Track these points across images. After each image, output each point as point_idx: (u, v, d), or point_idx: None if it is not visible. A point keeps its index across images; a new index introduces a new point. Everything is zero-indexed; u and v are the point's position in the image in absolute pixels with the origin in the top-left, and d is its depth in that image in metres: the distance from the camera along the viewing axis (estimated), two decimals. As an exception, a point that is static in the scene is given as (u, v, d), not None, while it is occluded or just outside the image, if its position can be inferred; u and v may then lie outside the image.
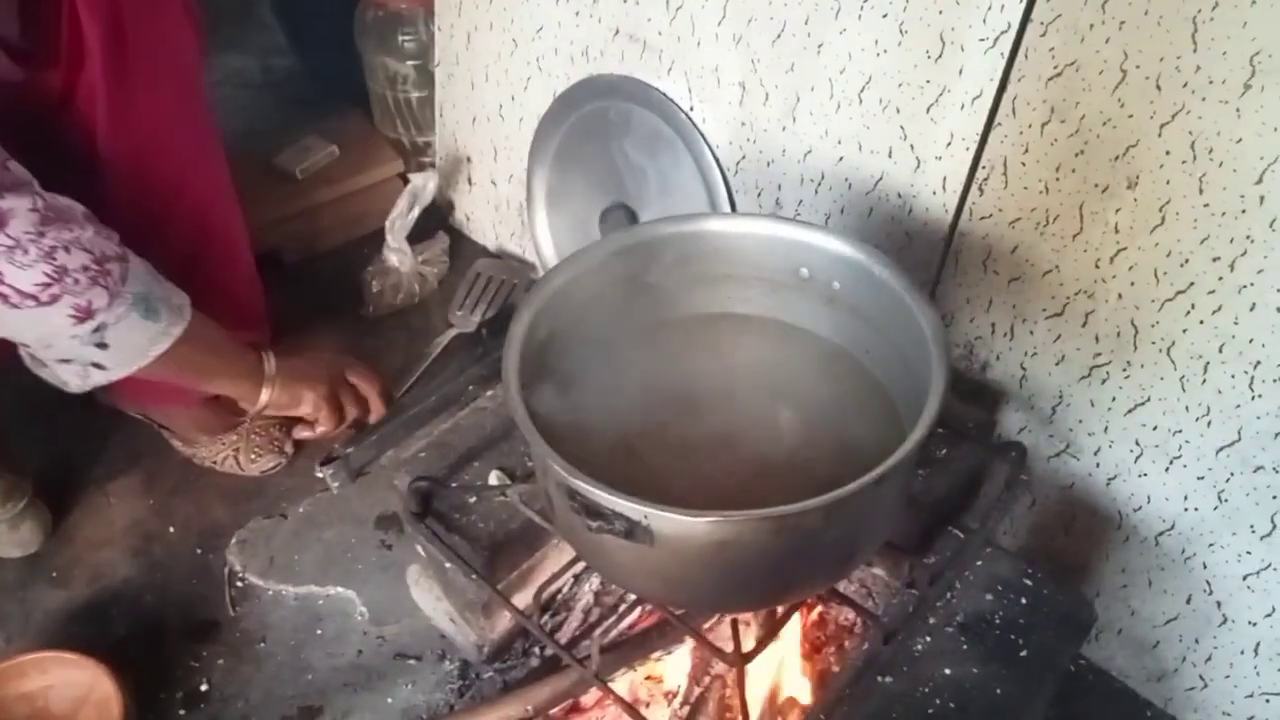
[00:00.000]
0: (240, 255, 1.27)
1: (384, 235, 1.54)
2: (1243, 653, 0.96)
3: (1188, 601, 0.97)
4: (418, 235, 1.58)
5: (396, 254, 1.55)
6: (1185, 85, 0.79)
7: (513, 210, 1.57)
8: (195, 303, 1.02)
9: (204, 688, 1.10)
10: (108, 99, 1.01)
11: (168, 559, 1.24)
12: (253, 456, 1.32)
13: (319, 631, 1.15)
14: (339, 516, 1.27)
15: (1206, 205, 0.82)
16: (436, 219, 1.66)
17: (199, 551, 1.25)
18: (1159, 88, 0.81)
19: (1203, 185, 0.81)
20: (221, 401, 1.28)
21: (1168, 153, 0.83)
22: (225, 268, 1.23)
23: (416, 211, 1.51)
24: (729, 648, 0.76)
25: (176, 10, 1.06)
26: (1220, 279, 0.83)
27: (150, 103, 1.05)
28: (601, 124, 1.29)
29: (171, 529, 1.28)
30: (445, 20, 1.51)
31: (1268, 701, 0.96)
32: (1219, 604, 0.95)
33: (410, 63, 1.62)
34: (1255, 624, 0.93)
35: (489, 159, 1.56)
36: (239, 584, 1.21)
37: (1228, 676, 0.98)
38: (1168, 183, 0.83)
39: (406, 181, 1.55)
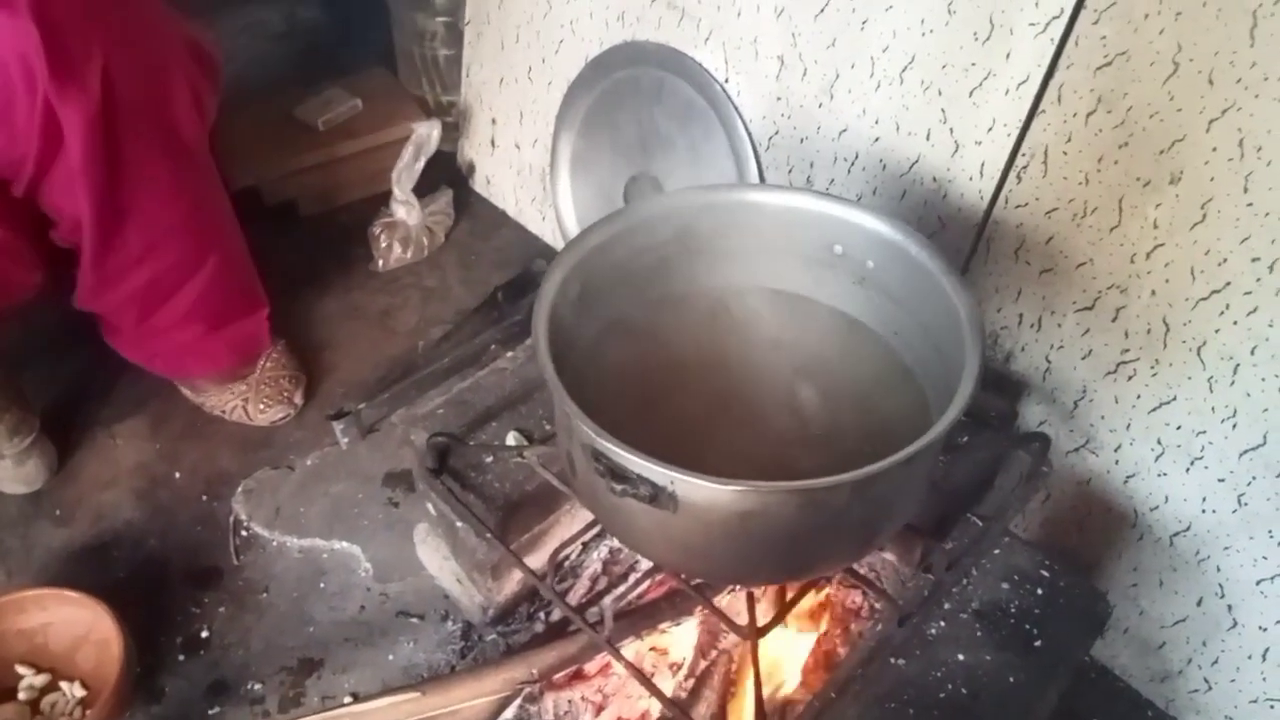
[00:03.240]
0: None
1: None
2: (1250, 658, 0.95)
3: (1198, 604, 0.97)
4: (423, 189, 1.56)
5: (404, 206, 1.53)
6: (1239, 81, 0.78)
7: (535, 175, 1.55)
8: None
9: (204, 634, 1.10)
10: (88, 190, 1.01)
11: (172, 503, 1.24)
12: (261, 407, 1.31)
13: (322, 585, 1.15)
14: (347, 472, 1.26)
15: (1250, 205, 0.81)
16: (440, 172, 1.63)
17: (204, 498, 1.24)
18: (1211, 82, 0.80)
19: (1248, 184, 0.80)
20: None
21: (1214, 149, 0.81)
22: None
23: (422, 162, 1.49)
24: (742, 621, 0.75)
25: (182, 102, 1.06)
26: (1258, 280, 0.82)
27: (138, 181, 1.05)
28: (633, 91, 1.27)
29: (177, 474, 1.27)
30: (478, -22, 1.49)
31: (1272, 708, 0.96)
32: (1230, 608, 0.95)
33: (440, 19, 1.60)
34: (1266, 629, 0.93)
35: (514, 122, 1.54)
36: (243, 533, 1.20)
37: (1233, 681, 0.98)
38: (1212, 180, 0.82)
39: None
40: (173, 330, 1.22)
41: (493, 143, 1.61)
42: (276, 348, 1.34)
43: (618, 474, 0.64)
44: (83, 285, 1.14)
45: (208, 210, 1.17)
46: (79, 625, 1.04)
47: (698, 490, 0.63)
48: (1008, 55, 0.90)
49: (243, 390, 1.31)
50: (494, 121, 1.59)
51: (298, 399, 1.33)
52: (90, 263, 1.10)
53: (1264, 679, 0.95)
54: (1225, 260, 0.84)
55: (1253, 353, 0.85)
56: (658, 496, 0.64)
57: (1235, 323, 0.85)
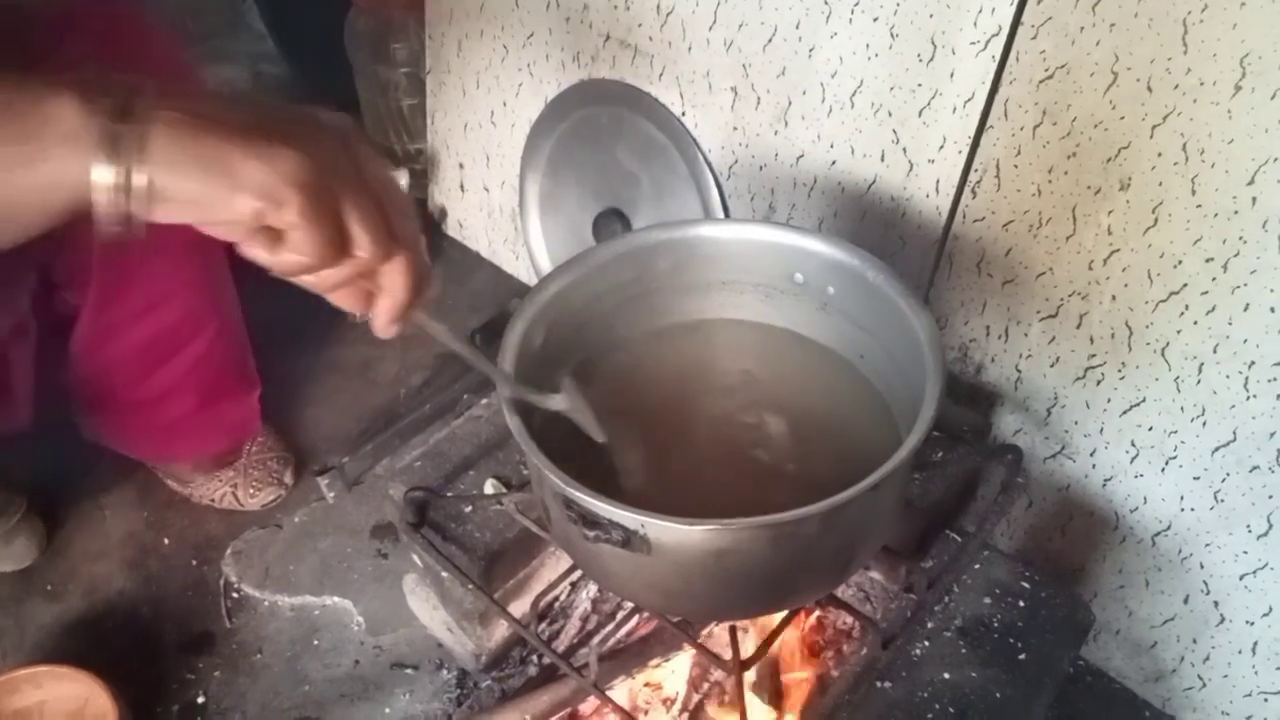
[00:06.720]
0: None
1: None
2: (1240, 652, 0.96)
3: (1185, 602, 0.98)
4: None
5: None
6: (1176, 87, 0.79)
7: (506, 216, 1.56)
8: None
9: (200, 700, 1.10)
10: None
11: (163, 571, 1.24)
12: (252, 491, 1.30)
13: (315, 642, 1.15)
14: (334, 526, 1.27)
15: (1199, 206, 0.82)
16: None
17: (194, 563, 1.24)
18: (1150, 90, 0.81)
19: (1195, 186, 0.82)
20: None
21: (1159, 154, 0.83)
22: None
23: None
24: (727, 654, 0.76)
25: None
26: (1214, 279, 0.83)
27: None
28: (594, 130, 1.29)
29: (166, 541, 1.27)
30: (436, 28, 1.51)
31: (1266, 701, 0.96)
32: (1216, 604, 0.95)
33: (401, 70, 1.62)
34: (1253, 623, 0.94)
35: (481, 165, 1.56)
36: (235, 595, 1.20)
37: (1225, 676, 0.98)
38: (1160, 184, 0.84)
39: (398, 189, 1.54)
40: (163, 402, 1.20)
41: (462, 187, 1.63)
42: (262, 431, 1.33)
43: (589, 520, 0.65)
44: (81, 334, 1.12)
45: (214, 277, 1.17)
46: (74, 701, 1.04)
47: (668, 532, 0.63)
48: (952, 74, 0.92)
49: (231, 476, 1.29)
50: (461, 166, 1.60)
51: (288, 479, 1.32)
52: (93, 312, 1.10)
53: (1256, 672, 0.96)
54: (1180, 262, 0.85)
55: (1215, 351, 0.86)
56: (630, 540, 0.64)
57: (1195, 322, 0.86)
